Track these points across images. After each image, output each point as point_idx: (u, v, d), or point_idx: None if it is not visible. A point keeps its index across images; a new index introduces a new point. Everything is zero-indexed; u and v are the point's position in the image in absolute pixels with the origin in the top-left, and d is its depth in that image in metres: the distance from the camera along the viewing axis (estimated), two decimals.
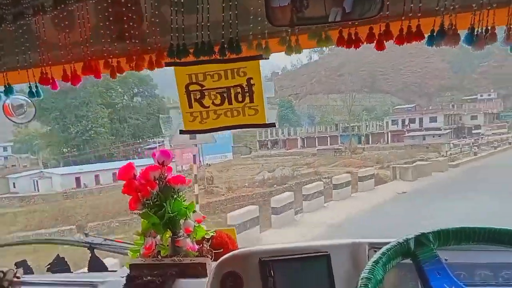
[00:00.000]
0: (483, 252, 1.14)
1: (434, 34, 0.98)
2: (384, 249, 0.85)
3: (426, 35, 0.99)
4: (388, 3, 0.97)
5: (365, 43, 1.06)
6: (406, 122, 60.17)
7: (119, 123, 47.37)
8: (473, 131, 57.10)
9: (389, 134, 59.17)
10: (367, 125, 62.78)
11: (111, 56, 1.22)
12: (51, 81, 1.28)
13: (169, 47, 1.15)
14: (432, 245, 0.84)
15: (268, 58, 1.24)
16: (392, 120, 64.60)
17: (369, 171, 17.03)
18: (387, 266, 0.83)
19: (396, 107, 74.92)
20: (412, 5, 0.97)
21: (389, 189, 16.33)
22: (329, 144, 54.46)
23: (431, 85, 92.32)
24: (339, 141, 56.09)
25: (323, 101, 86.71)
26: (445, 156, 23.38)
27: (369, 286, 0.78)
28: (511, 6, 0.94)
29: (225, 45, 1.12)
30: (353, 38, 1.05)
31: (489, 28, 0.96)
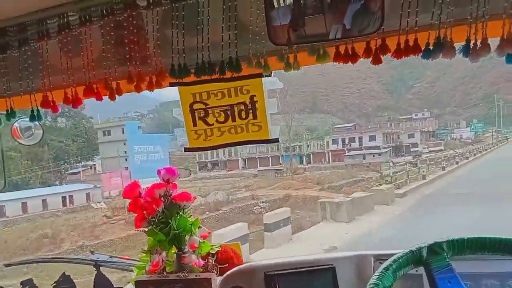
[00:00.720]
0: (489, 261, 1.17)
1: (430, 47, 1.04)
2: (395, 256, 0.87)
3: (422, 48, 1.06)
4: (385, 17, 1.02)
5: (362, 58, 1.13)
6: (347, 141, 62.50)
7: (38, 146, 44.31)
8: (411, 149, 60.64)
9: (330, 153, 61.04)
10: (308, 145, 64.09)
11: (111, 79, 1.31)
12: (52, 104, 1.37)
13: (171, 67, 1.24)
14: (445, 254, 0.87)
15: (270, 75, 1.37)
16: (332, 139, 66.23)
17: (284, 214, 11.31)
18: (397, 273, 0.85)
19: (336, 126, 78.90)
20: (408, 19, 1.03)
21: (312, 238, 11.21)
22: (270, 164, 55.26)
23: (369, 105, 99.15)
24: (280, 161, 56.71)
25: None
26: (389, 182, 20.00)
27: None
28: (504, 19, 0.99)
29: (225, 64, 1.21)
30: (350, 53, 1.13)
31: (483, 40, 1.01)
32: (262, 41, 1.14)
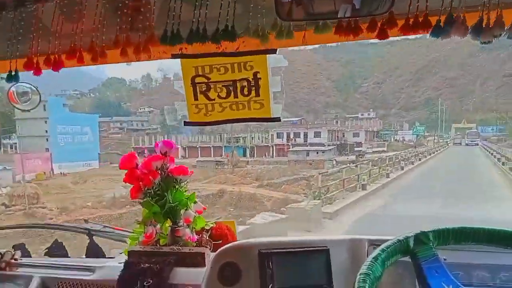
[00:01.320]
0: (482, 252, 1.20)
1: (441, 24, 1.06)
2: (383, 246, 0.91)
3: (432, 25, 1.06)
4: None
5: (365, 31, 1.13)
6: (291, 136, 62.24)
7: None
8: (355, 148, 60.86)
9: (274, 147, 60.61)
10: (252, 137, 64.00)
11: (98, 43, 1.32)
12: (35, 66, 1.38)
13: (163, 33, 1.26)
14: (431, 244, 0.91)
15: (276, 53, 1.40)
16: (277, 133, 65.25)
17: None
18: (386, 263, 0.89)
19: (284, 119, 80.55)
20: (418, 3, 1.05)
21: None
22: (212, 155, 54.81)
23: (318, 102, 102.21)
24: (223, 153, 56.52)
25: None
26: (317, 196, 15.08)
27: (367, 282, 0.84)
28: None
29: (220, 32, 1.22)
30: (353, 26, 1.13)
31: (497, 20, 1.03)
32: (265, 16, 1.18)
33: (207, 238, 1.55)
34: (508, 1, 1.03)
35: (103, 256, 1.92)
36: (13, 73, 1.41)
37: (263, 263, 1.30)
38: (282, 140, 63.82)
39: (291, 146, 59.90)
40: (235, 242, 1.42)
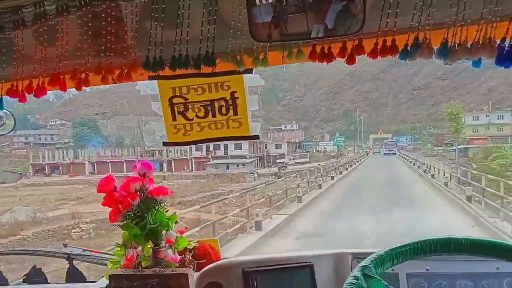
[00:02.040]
0: (464, 262, 1.28)
1: (408, 47, 1.14)
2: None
3: (400, 49, 1.15)
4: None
5: (336, 57, 1.22)
6: (211, 148, 60.45)
7: None
8: (277, 160, 61.85)
9: (193, 161, 59.52)
10: (169, 150, 61.57)
11: (82, 70, 1.38)
12: (20, 93, 1.42)
13: (146, 60, 1.33)
14: (376, 274, 0.92)
15: (252, 72, 1.50)
16: (196, 145, 66.23)
17: None
18: None
19: None
20: (388, 20, 1.12)
21: None
22: (125, 170, 51.96)
23: None
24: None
25: (134, 122, 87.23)
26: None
27: None
28: (480, 23, 1.08)
29: (201, 58, 1.30)
30: (326, 52, 1.21)
31: (461, 42, 1.11)
32: (242, 37, 1.23)
33: (190, 258, 1.59)
34: (473, 18, 1.10)
35: (84, 280, 1.91)
36: None
37: (248, 282, 1.35)
38: (202, 152, 62.39)
39: (211, 159, 58.62)
40: (218, 262, 1.48)
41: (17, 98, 1.43)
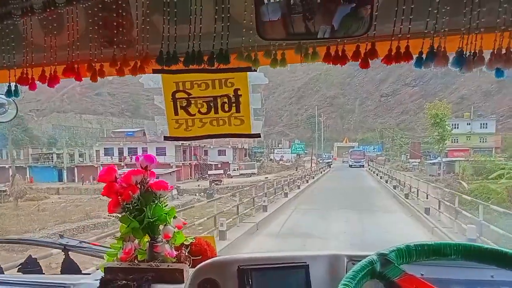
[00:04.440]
0: (458, 268, 1.34)
1: (423, 55, 1.21)
2: (350, 273, 0.98)
3: (414, 56, 1.22)
4: (375, 23, 1.20)
5: (351, 60, 1.31)
6: (125, 153, 54.22)
7: None
8: (209, 172, 53.07)
9: (101, 168, 50.23)
10: (71, 154, 54.14)
11: (95, 60, 1.50)
12: (30, 81, 1.53)
13: (159, 54, 1.44)
14: (396, 263, 0.99)
15: (256, 70, 1.60)
16: (105, 148, 54.81)
17: None
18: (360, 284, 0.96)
19: (116, 130, 67.87)
20: (401, 26, 1.19)
21: None
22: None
23: None
24: (28, 175, 48.48)
25: (74, 121, 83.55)
26: None
27: None
28: (497, 32, 1.15)
29: (215, 55, 1.41)
30: (340, 55, 1.30)
31: (477, 51, 1.17)
32: (254, 35, 1.31)
33: (186, 254, 1.71)
34: (488, 26, 1.17)
35: (79, 272, 2.00)
36: (12, 88, 1.56)
37: (243, 279, 1.45)
38: (112, 158, 55.12)
39: (125, 167, 48.67)
40: (214, 258, 1.57)
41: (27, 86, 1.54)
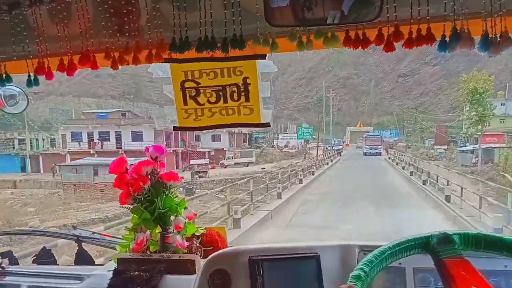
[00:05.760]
0: (471, 258, 1.30)
1: (446, 38, 1.23)
2: (397, 241, 1.02)
3: (436, 38, 1.23)
4: (394, 5, 1.24)
5: (373, 44, 1.33)
6: (96, 137, 50.23)
7: None
8: (193, 162, 47.22)
9: (69, 156, 47.88)
10: (35, 139, 49.47)
11: (113, 48, 1.55)
12: (47, 70, 1.60)
13: (172, 41, 1.48)
14: (456, 246, 1.02)
15: (265, 58, 1.66)
16: (72, 132, 49.97)
17: None
18: (382, 265, 1.02)
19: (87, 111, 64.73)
20: (419, 8, 1.21)
21: None
22: None
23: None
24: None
25: (72, 104, 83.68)
26: None
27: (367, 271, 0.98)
28: None
29: (229, 41, 1.44)
30: (361, 38, 1.32)
31: (502, 32, 1.19)
32: (264, 22, 1.34)
33: (198, 244, 1.78)
34: (509, 8, 1.19)
35: (92, 263, 2.11)
36: (32, 77, 1.64)
37: (254, 270, 1.50)
38: (81, 144, 50.36)
39: (95, 155, 45.49)
40: (225, 249, 1.63)
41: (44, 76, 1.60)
